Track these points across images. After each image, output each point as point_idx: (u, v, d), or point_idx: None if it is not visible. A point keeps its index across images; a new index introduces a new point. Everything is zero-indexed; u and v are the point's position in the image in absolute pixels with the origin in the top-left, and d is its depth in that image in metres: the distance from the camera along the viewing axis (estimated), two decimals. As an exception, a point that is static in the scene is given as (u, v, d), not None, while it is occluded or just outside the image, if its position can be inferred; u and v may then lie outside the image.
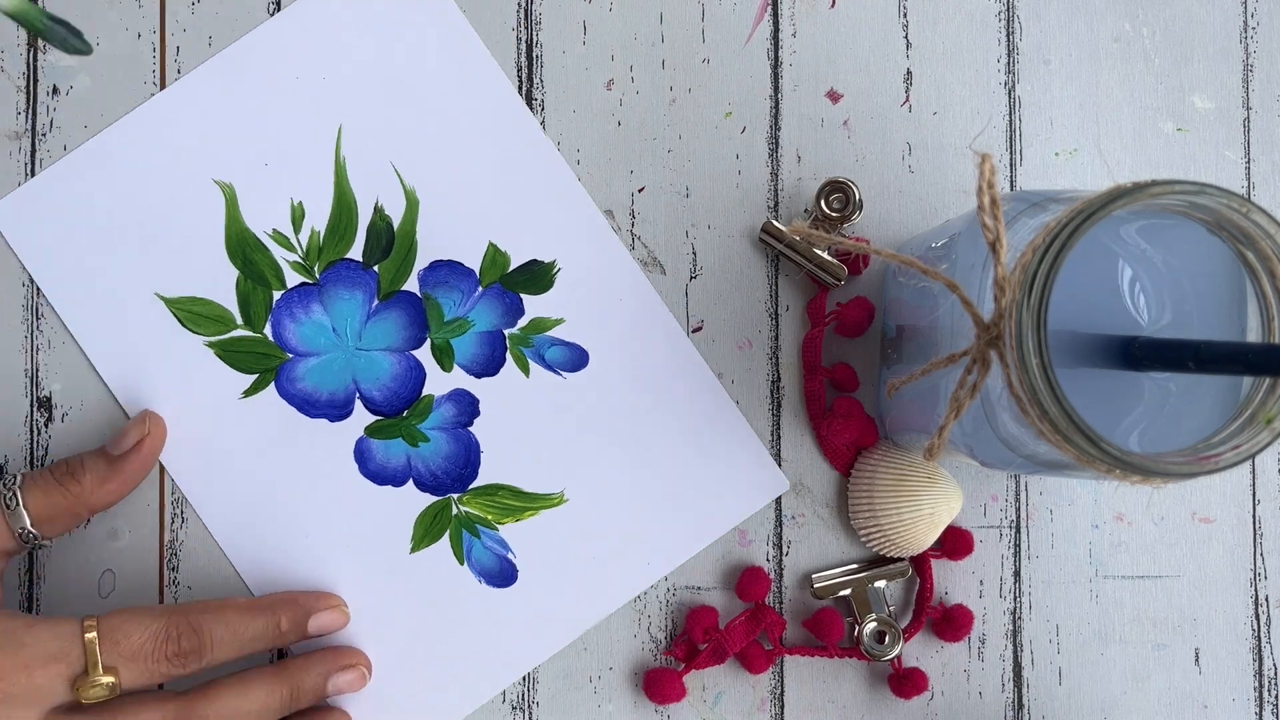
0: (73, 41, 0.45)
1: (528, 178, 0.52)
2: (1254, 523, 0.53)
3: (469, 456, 0.52)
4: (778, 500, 0.52)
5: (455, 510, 0.52)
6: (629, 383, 0.52)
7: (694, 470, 0.52)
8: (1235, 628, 0.52)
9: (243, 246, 0.51)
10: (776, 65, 0.53)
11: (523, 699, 0.52)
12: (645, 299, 0.52)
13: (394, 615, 0.51)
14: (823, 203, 0.51)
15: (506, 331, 0.52)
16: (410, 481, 0.52)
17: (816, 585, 0.52)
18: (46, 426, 0.52)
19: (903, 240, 0.52)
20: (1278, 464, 0.53)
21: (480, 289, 0.52)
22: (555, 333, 0.52)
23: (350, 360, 0.52)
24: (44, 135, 0.52)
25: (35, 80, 0.52)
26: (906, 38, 0.53)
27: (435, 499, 0.52)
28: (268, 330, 0.52)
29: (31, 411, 0.52)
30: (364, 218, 0.52)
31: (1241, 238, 0.36)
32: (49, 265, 0.51)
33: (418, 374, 0.52)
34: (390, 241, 0.52)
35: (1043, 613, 0.52)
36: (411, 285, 0.52)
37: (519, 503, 0.52)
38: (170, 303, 0.51)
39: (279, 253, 0.52)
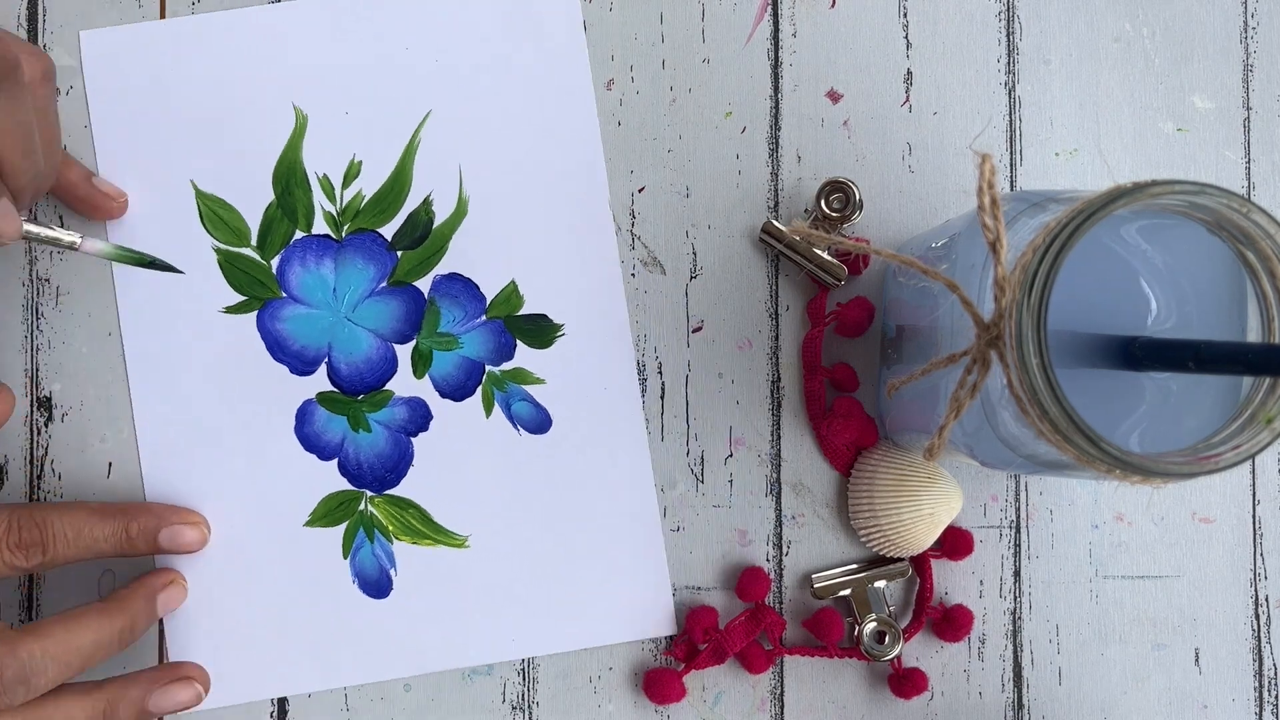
0: (172, 267, 0.50)
1: (577, 239, 0.52)
2: (1254, 523, 0.53)
3: (399, 464, 0.52)
4: (778, 500, 0.52)
5: (363, 507, 0.52)
6: (576, 469, 0.52)
7: (596, 579, 0.51)
8: (1235, 628, 0.52)
9: (288, 176, 0.52)
10: (776, 65, 0.53)
11: (523, 699, 0.52)
12: (628, 400, 0.52)
13: (260, 574, 0.51)
14: (823, 203, 0.51)
15: (489, 367, 0.52)
16: (335, 461, 0.52)
17: (816, 585, 0.52)
18: (46, 426, 0.52)
19: (903, 240, 0.52)
20: (1278, 464, 0.53)
21: (484, 318, 0.52)
22: (532, 389, 0.52)
23: (335, 325, 0.52)
24: (44, 135, 0.52)
25: (35, 80, 0.52)
26: (906, 38, 0.53)
27: (350, 488, 0.52)
28: (274, 262, 0.52)
29: (31, 411, 0.52)
30: (411, 203, 0.52)
31: (1241, 238, 0.36)
32: (108, 109, 0.51)
33: (390, 366, 0.52)
34: (424, 236, 0.52)
35: (1043, 613, 0.52)
36: (423, 284, 0.52)
37: (424, 528, 0.52)
38: (201, 195, 0.51)
39: (319, 197, 0.52)
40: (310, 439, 0.52)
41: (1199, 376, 0.37)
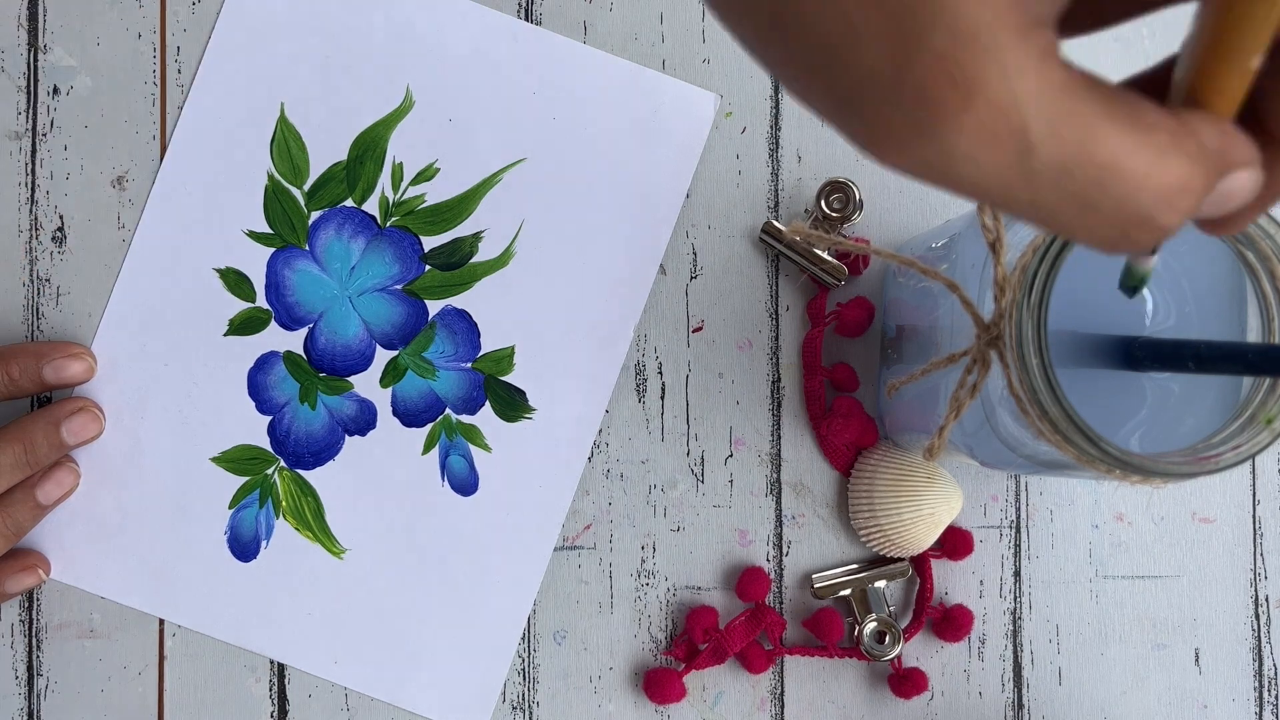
0: None
1: (589, 341, 0.52)
2: (1254, 523, 0.53)
3: (324, 452, 0.52)
4: (778, 500, 0.52)
5: (270, 472, 0.52)
6: (474, 547, 0.51)
7: (437, 651, 0.51)
8: (1235, 628, 0.52)
9: (369, 147, 0.52)
10: (776, 65, 0.53)
11: (523, 699, 0.52)
12: (553, 511, 0.51)
13: (151, 485, 0.51)
14: (823, 203, 0.51)
15: (450, 411, 0.52)
16: (269, 419, 0.52)
17: (816, 585, 0.52)
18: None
19: (903, 240, 0.52)
20: (1278, 464, 0.53)
21: (469, 365, 0.52)
22: (476, 451, 0.52)
23: (336, 300, 0.52)
24: (44, 135, 0.52)
25: (35, 80, 0.52)
26: (906, 38, 0.53)
27: (268, 450, 0.52)
28: (314, 216, 0.52)
29: (32, 409, 0.52)
30: (463, 230, 0.52)
31: (1241, 238, 0.36)
32: (243, 4, 0.52)
33: (363, 362, 0.52)
34: (459, 264, 0.52)
35: (1043, 613, 0.52)
36: (434, 305, 0.52)
37: (313, 521, 0.52)
38: (283, 120, 0.51)
39: (384, 180, 0.52)
40: (258, 387, 0.52)
41: (1199, 376, 0.37)
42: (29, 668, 0.51)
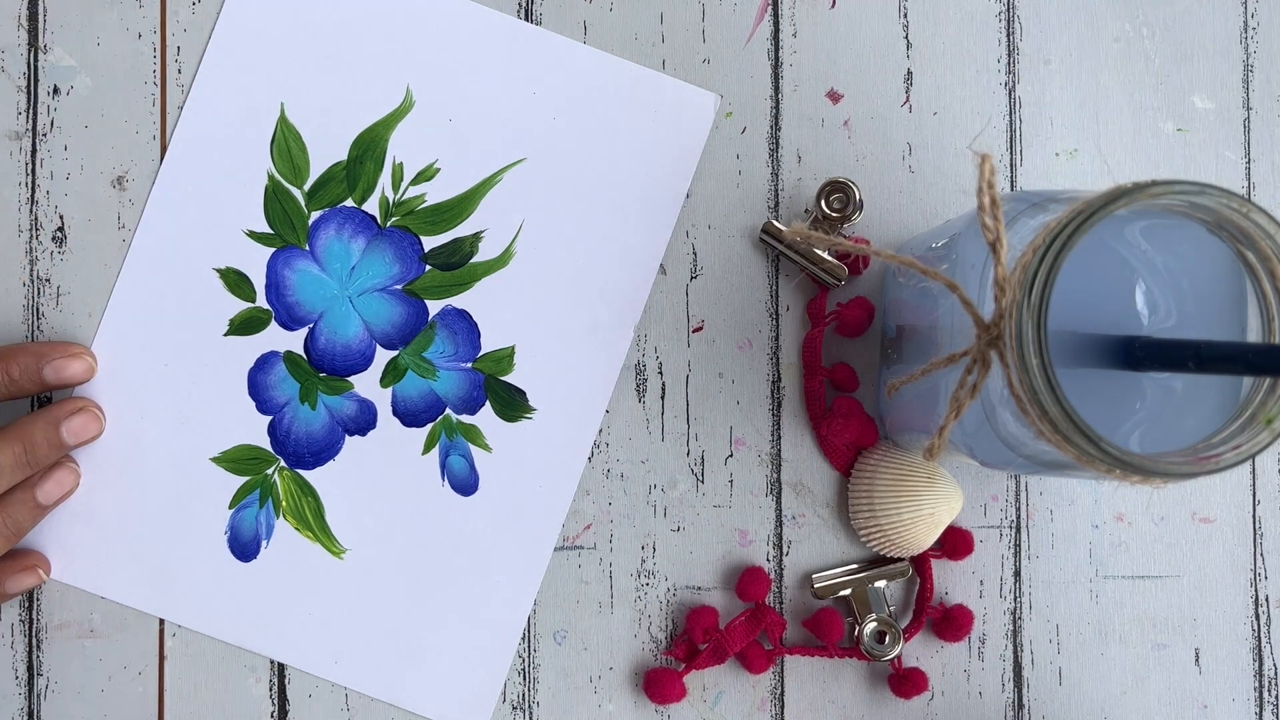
0: None
1: (590, 339, 0.52)
2: (1254, 523, 0.53)
3: (324, 452, 0.52)
4: (778, 500, 0.52)
5: (270, 472, 0.52)
6: (474, 547, 0.51)
7: (437, 651, 0.51)
8: (1235, 628, 0.52)
9: (369, 147, 0.52)
10: (776, 65, 0.53)
11: (523, 699, 0.52)
12: (551, 514, 0.51)
13: (152, 485, 0.51)
14: (823, 203, 0.51)
15: (450, 411, 0.52)
16: (270, 419, 0.52)
17: (816, 585, 0.52)
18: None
19: (903, 240, 0.52)
20: (1278, 464, 0.53)
21: (470, 365, 0.52)
22: (476, 451, 0.52)
23: (336, 300, 0.52)
24: (44, 135, 0.52)
25: (35, 80, 0.52)
26: (906, 38, 0.53)
27: (268, 450, 0.52)
28: (314, 216, 0.52)
29: (32, 409, 0.52)
30: (463, 230, 0.52)
31: (1241, 238, 0.36)
32: (244, 4, 0.52)
33: (364, 362, 0.52)
34: (459, 264, 0.52)
35: (1043, 613, 0.52)
36: (434, 305, 0.52)
37: (313, 521, 0.52)
38: (283, 120, 0.51)
39: (384, 180, 0.52)
40: (258, 387, 0.52)
41: (1199, 376, 0.37)
42: (29, 668, 0.52)
